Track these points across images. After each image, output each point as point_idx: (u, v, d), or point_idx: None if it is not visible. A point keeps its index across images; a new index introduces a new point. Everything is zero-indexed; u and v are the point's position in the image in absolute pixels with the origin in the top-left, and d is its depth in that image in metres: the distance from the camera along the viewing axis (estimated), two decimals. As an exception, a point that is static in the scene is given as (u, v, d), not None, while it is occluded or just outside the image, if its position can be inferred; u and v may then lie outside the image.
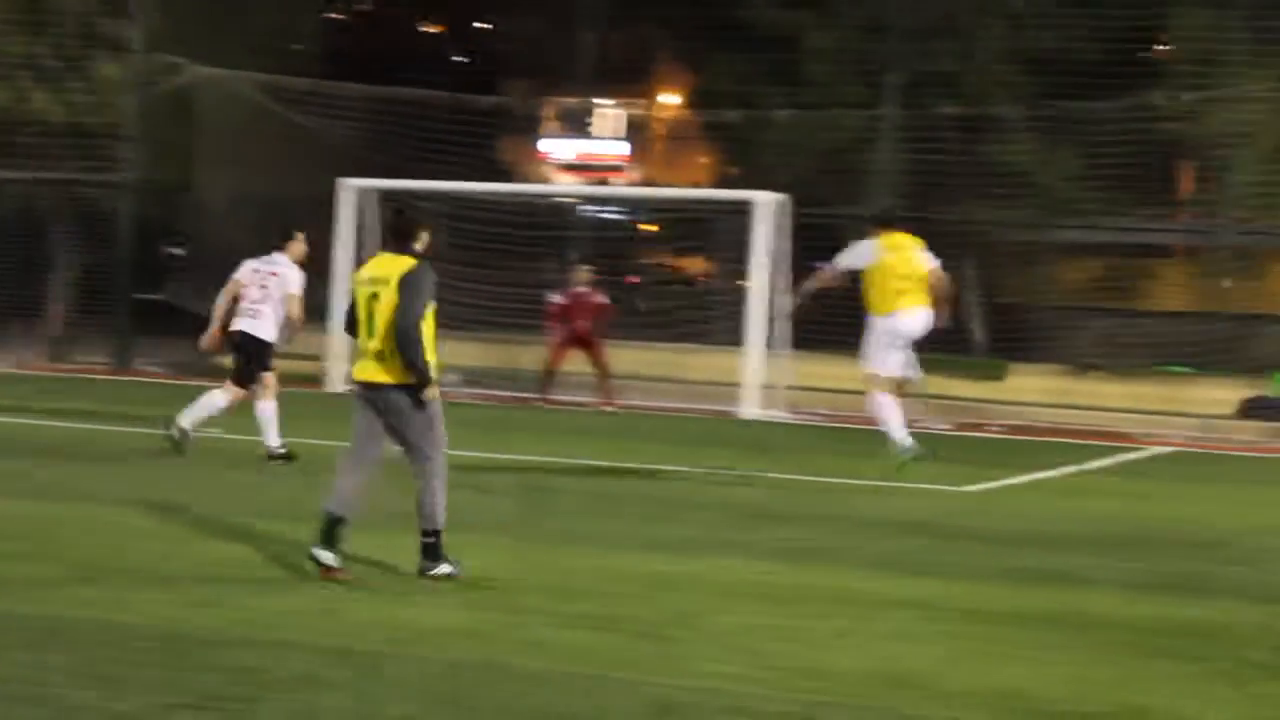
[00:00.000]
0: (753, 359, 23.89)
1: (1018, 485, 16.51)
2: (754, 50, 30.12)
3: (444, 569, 9.57)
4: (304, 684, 7.08)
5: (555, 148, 53.84)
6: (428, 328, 9.54)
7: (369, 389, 9.64)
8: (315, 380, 26.46)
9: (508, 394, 25.76)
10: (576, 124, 36.46)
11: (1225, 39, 26.82)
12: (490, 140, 33.10)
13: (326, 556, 9.52)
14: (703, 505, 13.61)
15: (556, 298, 25.06)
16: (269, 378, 15.63)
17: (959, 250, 29.25)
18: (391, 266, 9.65)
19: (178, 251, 31.57)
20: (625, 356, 26.68)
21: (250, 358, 15.67)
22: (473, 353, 28.03)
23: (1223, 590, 10.45)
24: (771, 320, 23.98)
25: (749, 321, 23.98)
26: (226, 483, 13.87)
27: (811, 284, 16.36)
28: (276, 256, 15.79)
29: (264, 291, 15.57)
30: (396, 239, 9.87)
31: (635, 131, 60.33)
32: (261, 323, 15.60)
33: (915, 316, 15.38)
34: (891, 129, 27.93)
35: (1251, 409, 24.51)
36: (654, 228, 35.38)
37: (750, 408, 23.84)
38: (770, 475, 16.17)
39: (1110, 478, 17.76)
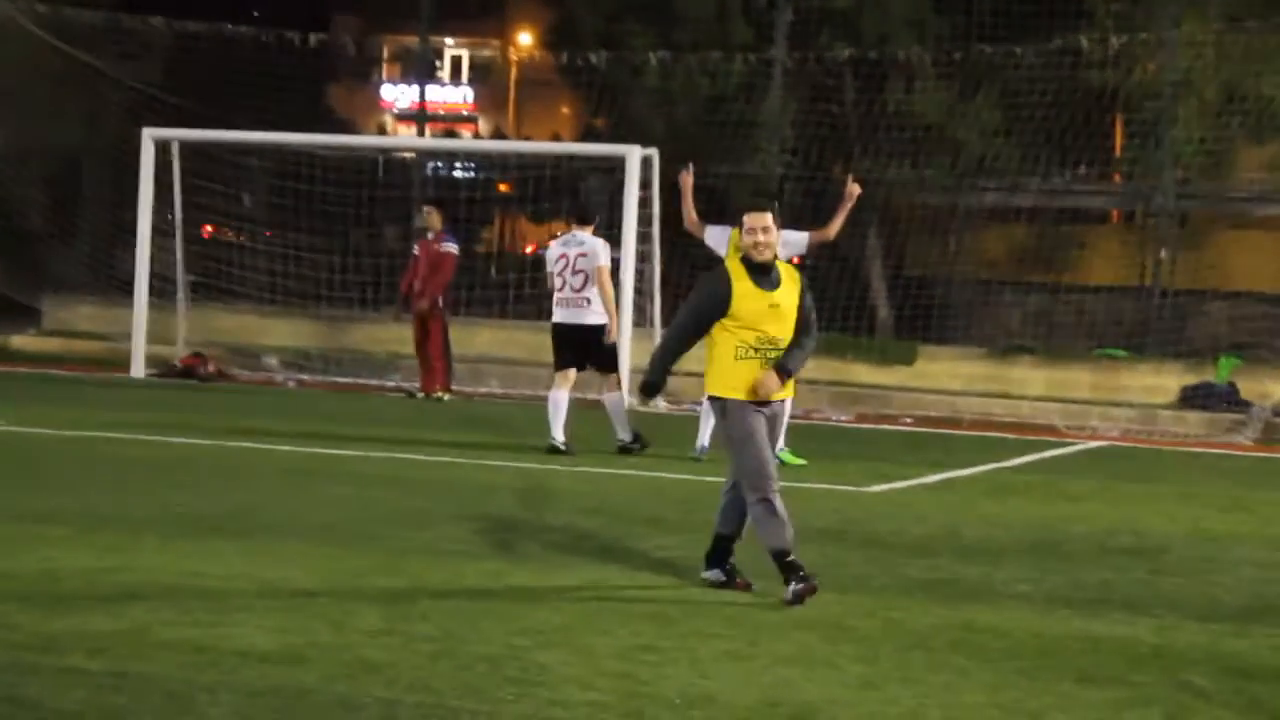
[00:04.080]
0: (623, 340, 23.78)
1: (929, 485, 16.68)
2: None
3: (712, 575, 10.62)
4: (97, 718, 7.02)
5: (395, 94, 53.71)
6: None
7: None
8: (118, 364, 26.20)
9: (344, 380, 25.67)
10: (419, 68, 36.30)
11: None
12: (319, 85, 32.90)
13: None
14: (574, 508, 13.63)
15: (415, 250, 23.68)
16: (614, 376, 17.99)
17: (860, 215, 29.58)
18: None
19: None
20: (483, 337, 26.64)
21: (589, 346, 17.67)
22: (300, 332, 27.82)
23: (1158, 606, 10.60)
24: (643, 294, 24.02)
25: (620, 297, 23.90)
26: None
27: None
28: (579, 234, 17.63)
29: (581, 276, 17.44)
30: None
31: (485, 76, 60.24)
32: (592, 309, 17.52)
33: None
34: (781, 75, 28.08)
35: (1193, 397, 24.86)
36: (506, 188, 35.32)
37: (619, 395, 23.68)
38: (649, 474, 16.23)
39: (1034, 476, 17.98)
